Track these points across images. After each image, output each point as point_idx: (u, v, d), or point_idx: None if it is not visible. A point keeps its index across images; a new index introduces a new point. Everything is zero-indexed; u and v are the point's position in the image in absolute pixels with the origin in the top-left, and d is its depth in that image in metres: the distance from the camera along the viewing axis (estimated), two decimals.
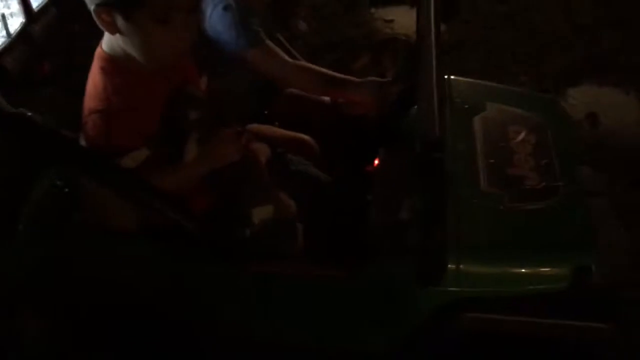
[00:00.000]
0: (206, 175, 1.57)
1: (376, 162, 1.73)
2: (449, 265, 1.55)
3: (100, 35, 1.46)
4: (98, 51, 1.46)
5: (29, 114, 1.35)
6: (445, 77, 2.04)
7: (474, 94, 2.00)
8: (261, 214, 1.64)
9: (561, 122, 1.96)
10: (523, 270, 1.59)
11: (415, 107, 1.71)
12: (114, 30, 1.37)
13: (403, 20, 3.49)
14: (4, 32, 1.44)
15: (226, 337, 1.70)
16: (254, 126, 1.94)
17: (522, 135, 1.86)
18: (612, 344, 1.56)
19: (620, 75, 3.13)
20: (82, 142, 1.55)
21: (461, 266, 1.56)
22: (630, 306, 1.64)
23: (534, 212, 1.65)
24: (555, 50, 3.34)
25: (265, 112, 2.08)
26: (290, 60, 1.83)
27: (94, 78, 1.44)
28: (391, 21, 3.74)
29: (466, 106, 1.93)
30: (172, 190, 1.51)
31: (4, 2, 1.43)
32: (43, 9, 1.58)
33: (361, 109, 1.81)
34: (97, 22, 1.37)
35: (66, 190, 1.66)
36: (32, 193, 1.67)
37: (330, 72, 1.83)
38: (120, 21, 1.34)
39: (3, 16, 1.40)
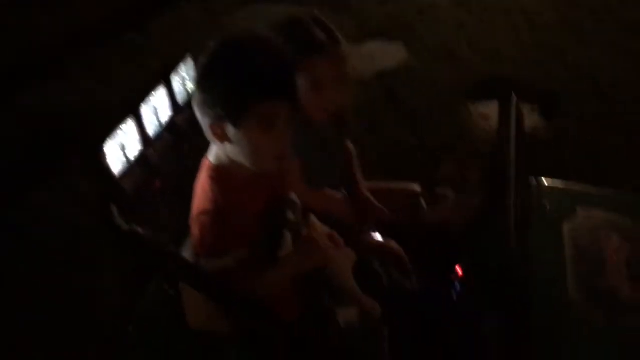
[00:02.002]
0: (296, 277, 1.67)
1: (459, 271, 1.75)
2: None
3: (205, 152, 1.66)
4: (205, 162, 1.67)
5: (139, 230, 1.55)
6: (534, 178, 2.05)
7: (564, 197, 1.97)
8: (346, 316, 1.70)
9: None
10: None
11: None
12: (224, 140, 1.58)
13: None
14: (124, 158, 1.67)
15: None
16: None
17: (616, 242, 1.80)
18: None
19: None
20: (189, 244, 1.74)
21: None
22: None
23: (629, 329, 1.57)
24: None
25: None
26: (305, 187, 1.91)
27: (202, 185, 1.64)
28: (488, 116, 3.77)
29: (555, 211, 1.91)
30: (265, 292, 1.62)
31: (124, 133, 1.66)
32: (158, 135, 1.82)
33: (441, 217, 1.85)
34: (209, 136, 1.59)
35: (172, 293, 1.83)
36: (143, 296, 1.87)
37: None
38: (230, 131, 1.55)
39: (123, 146, 1.64)
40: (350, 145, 2.13)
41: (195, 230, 1.62)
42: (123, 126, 1.68)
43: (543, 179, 2.06)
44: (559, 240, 1.80)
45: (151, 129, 1.80)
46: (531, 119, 3.62)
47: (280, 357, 1.67)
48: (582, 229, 1.84)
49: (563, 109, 3.60)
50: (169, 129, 1.88)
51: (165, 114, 1.88)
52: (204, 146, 1.67)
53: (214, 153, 1.65)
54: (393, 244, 2.02)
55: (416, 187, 2.07)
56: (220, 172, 1.62)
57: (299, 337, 1.66)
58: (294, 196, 1.76)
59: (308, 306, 1.72)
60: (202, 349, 1.75)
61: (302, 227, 1.75)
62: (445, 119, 3.64)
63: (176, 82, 1.93)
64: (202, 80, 1.56)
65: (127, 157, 1.68)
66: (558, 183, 2.07)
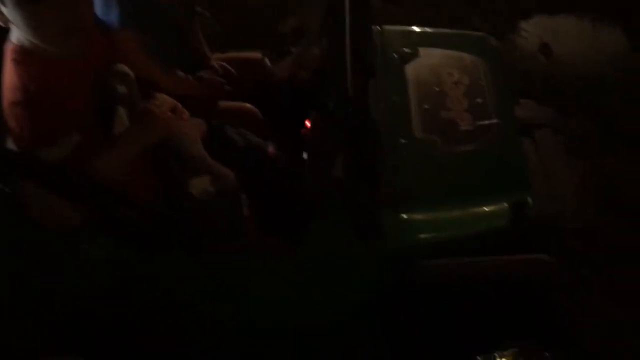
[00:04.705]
0: (139, 152, 1.56)
1: (308, 124, 1.73)
2: (390, 217, 1.57)
3: None
4: (7, 45, 1.46)
5: None
6: (379, 28, 2.03)
7: (407, 41, 1.98)
8: (199, 184, 1.65)
9: (495, 59, 1.94)
10: (461, 213, 1.61)
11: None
12: (3, 19, 1.39)
13: None
14: None
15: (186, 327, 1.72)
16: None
17: (455, 77, 1.85)
18: (555, 275, 1.58)
19: (571, 2, 3.09)
20: (9, 138, 1.56)
21: (401, 216, 1.58)
22: (574, 236, 1.65)
23: (468, 153, 1.66)
24: None
25: None
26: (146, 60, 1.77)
27: (8, 71, 1.45)
28: None
29: (398, 55, 1.91)
30: (109, 174, 1.50)
31: None
32: None
33: (286, 72, 1.80)
34: None
35: (8, 191, 1.67)
36: None
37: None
38: (3, 8, 1.36)
39: None
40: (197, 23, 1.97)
41: (11, 123, 1.44)
42: None
43: (386, 27, 2.05)
44: (403, 82, 1.83)
45: None
46: None
47: (136, 240, 1.60)
48: (424, 68, 1.88)
49: None
50: None
51: None
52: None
53: (15, 33, 1.43)
54: (246, 105, 1.95)
55: (257, 54, 1.98)
56: (24, 55, 1.42)
57: (155, 214, 1.60)
58: (123, 68, 1.61)
59: (159, 180, 1.64)
60: (52, 244, 1.64)
61: (138, 100, 1.62)
62: None
63: None
64: None
65: None
66: (400, 29, 2.06)
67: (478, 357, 1.63)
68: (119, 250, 1.59)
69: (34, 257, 1.63)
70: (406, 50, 1.92)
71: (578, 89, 2.69)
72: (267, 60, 1.86)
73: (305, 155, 1.70)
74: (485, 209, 1.61)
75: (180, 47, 1.89)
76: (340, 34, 1.52)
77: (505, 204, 1.58)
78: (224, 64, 1.97)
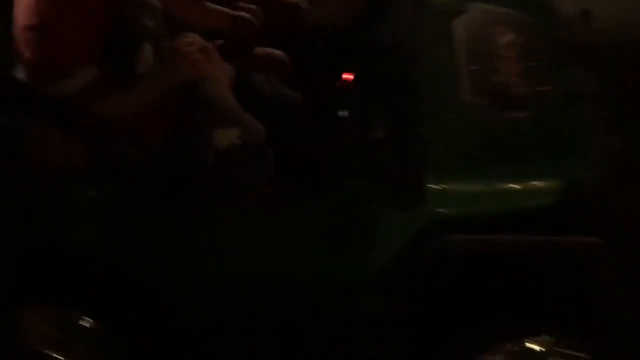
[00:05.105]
0: (161, 94, 1.44)
1: (346, 76, 1.58)
2: (429, 185, 1.45)
3: None
4: None
5: None
6: None
7: None
8: (226, 137, 1.51)
9: (550, 20, 1.79)
10: (508, 186, 1.49)
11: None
12: None
13: None
14: None
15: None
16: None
17: (507, 37, 1.70)
18: (603, 258, 1.47)
19: None
20: (20, 66, 1.41)
21: (442, 185, 1.46)
22: (621, 217, 1.53)
23: (520, 121, 1.53)
24: None
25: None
26: None
27: None
28: None
29: (445, 7, 1.75)
30: (125, 114, 1.40)
31: None
32: None
33: (324, 15, 1.64)
34: None
35: (12, 126, 1.52)
36: None
37: None
38: None
39: None
40: None
41: (23, 50, 1.34)
42: None
43: None
44: (450, 37, 1.67)
45: None
46: None
47: (145, 187, 1.47)
48: (474, 25, 1.71)
49: None
50: None
51: None
52: None
53: None
54: (276, 51, 1.82)
55: None
56: None
57: (167, 162, 1.46)
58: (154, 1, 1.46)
59: (180, 126, 1.51)
60: (52, 187, 1.49)
61: (165, 36, 1.48)
62: None
63: None
64: None
65: None
66: None
67: (508, 344, 1.53)
68: (122, 195, 1.47)
69: (31, 199, 1.50)
70: (454, 4, 1.75)
71: (616, 57, 2.54)
72: (303, 2, 1.70)
73: (340, 112, 1.56)
74: (533, 183, 1.49)
75: None
76: None
77: (557, 180, 1.46)
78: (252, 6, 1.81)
